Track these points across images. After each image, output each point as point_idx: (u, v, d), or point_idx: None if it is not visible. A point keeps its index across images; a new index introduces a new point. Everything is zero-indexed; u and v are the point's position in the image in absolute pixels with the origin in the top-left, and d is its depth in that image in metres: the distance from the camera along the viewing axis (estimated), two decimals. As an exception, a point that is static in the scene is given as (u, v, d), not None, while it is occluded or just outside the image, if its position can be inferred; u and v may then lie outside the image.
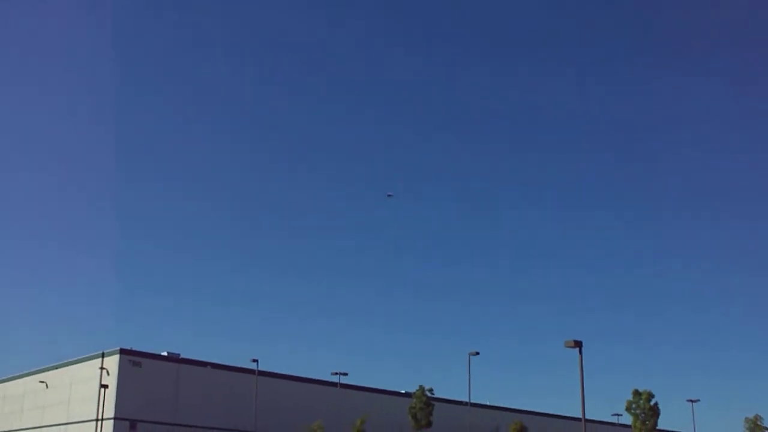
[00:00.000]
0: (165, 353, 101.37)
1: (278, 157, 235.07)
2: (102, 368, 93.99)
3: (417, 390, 72.14)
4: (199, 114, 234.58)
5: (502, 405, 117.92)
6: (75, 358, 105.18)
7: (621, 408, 78.80)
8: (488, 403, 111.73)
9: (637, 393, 59.81)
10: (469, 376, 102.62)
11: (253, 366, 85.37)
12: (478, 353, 75.28)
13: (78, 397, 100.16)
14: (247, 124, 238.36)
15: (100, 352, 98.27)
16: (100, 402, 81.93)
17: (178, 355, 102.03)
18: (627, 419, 79.29)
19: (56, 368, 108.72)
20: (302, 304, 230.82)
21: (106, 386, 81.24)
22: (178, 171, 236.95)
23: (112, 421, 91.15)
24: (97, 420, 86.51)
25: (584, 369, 46.33)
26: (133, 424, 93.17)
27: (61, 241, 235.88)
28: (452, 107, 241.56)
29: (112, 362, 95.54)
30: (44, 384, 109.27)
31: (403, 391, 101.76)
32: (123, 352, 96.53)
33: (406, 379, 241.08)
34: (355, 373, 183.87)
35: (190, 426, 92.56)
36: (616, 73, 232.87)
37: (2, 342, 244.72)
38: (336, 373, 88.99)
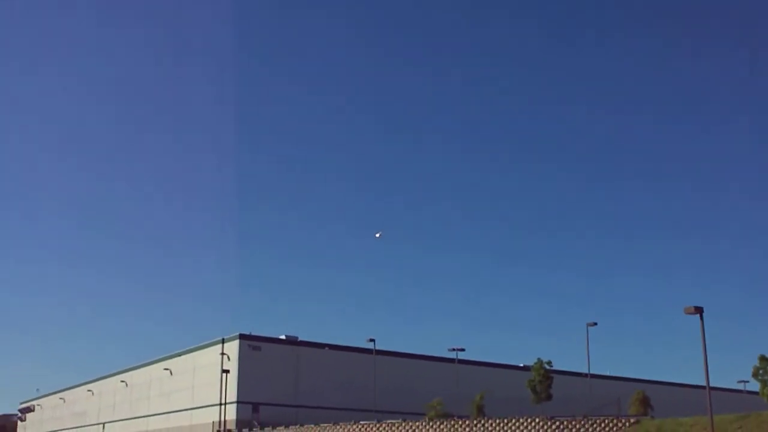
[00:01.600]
0: (283, 337, 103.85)
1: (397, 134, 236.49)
2: (223, 354, 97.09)
3: (535, 363, 72.00)
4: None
5: (622, 375, 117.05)
6: (196, 345, 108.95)
7: (747, 375, 77.58)
8: (608, 374, 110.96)
9: (764, 359, 58.44)
10: (588, 347, 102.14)
11: (370, 346, 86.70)
12: (596, 324, 75.02)
13: (201, 383, 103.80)
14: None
15: (221, 338, 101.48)
16: (223, 387, 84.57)
17: (297, 338, 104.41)
18: (754, 386, 77.77)
19: (179, 356, 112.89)
20: (418, 277, 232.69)
21: (227, 371, 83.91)
22: (296, 148, 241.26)
23: (235, 405, 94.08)
24: (220, 404, 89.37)
25: (706, 337, 45.88)
26: (255, 407, 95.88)
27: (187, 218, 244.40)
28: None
29: (233, 348, 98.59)
30: (168, 371, 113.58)
31: (521, 365, 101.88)
32: (242, 337, 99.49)
33: (523, 353, 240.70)
34: (472, 349, 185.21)
35: (311, 407, 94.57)
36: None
37: (129, 333, 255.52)
38: (453, 349, 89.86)
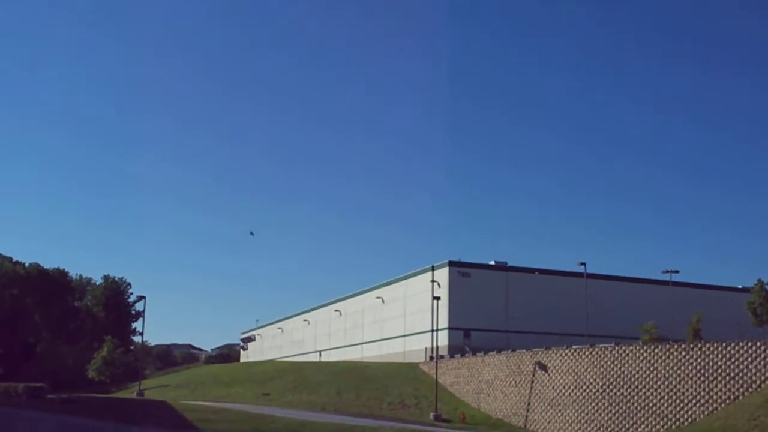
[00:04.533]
0: (492, 263, 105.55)
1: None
2: (433, 281, 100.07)
3: (755, 284, 70.60)
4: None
5: None
6: (406, 273, 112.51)
7: None
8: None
9: None
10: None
11: (581, 269, 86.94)
12: (820, 243, 72.34)
13: (412, 310, 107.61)
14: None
15: (430, 266, 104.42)
16: (434, 314, 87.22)
17: (506, 263, 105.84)
18: None
19: (390, 284, 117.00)
20: (630, 197, 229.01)
21: (438, 298, 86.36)
22: (502, 90, 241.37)
23: (446, 331, 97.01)
24: (432, 331, 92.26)
25: None
26: (466, 333, 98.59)
27: (398, 154, 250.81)
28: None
29: (443, 275, 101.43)
30: (380, 299, 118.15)
31: (740, 287, 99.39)
32: (452, 264, 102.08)
33: (741, 275, 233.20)
34: (687, 271, 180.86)
35: (522, 332, 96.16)
36: None
37: (341, 264, 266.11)
38: (667, 272, 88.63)
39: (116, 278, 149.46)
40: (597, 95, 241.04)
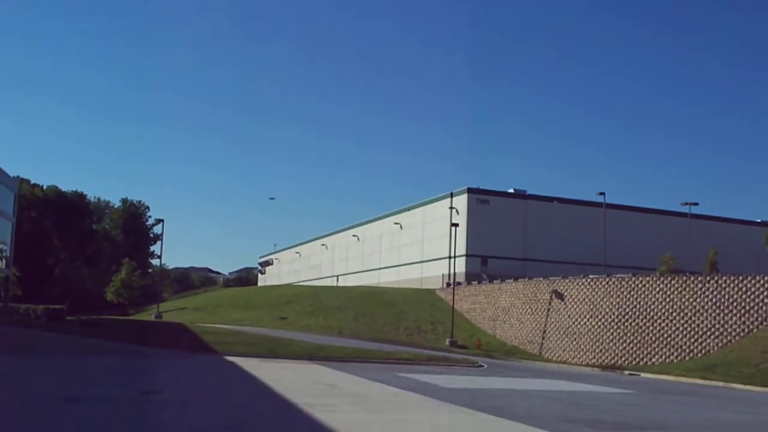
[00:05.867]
0: (511, 190, 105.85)
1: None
2: (451, 208, 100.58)
3: (774, 218, 70.64)
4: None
5: None
6: (425, 200, 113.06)
7: None
8: None
9: None
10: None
11: (599, 199, 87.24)
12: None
13: (430, 236, 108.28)
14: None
15: (449, 192, 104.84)
16: (452, 240, 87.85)
17: (525, 191, 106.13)
18: None
19: (408, 210, 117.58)
20: (651, 126, 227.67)
21: (456, 225, 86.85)
22: (523, 17, 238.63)
23: (464, 258, 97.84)
24: (449, 257, 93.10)
25: None
26: (484, 260, 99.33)
27: (417, 81, 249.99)
28: None
29: (461, 201, 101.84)
30: (399, 225, 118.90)
31: (758, 220, 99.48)
32: (470, 191, 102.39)
33: (761, 209, 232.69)
34: (705, 203, 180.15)
35: (539, 261, 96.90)
36: None
37: (360, 189, 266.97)
38: (686, 203, 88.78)
39: (134, 201, 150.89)
40: (620, 23, 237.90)
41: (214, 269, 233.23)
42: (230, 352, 40.42)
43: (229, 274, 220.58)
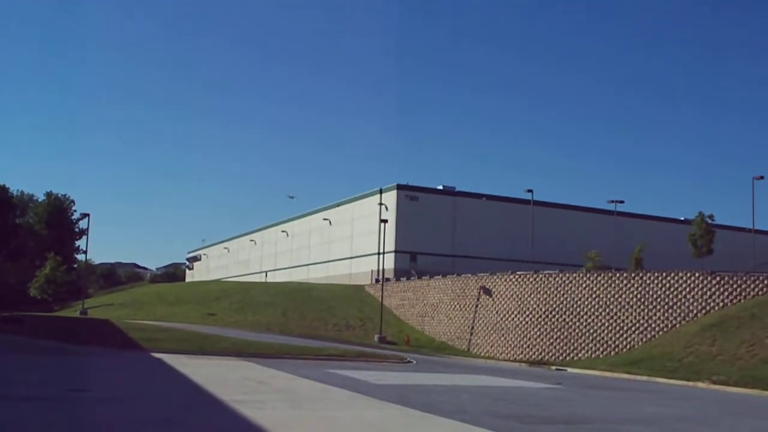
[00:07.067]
0: (441, 187, 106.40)
1: None
2: (381, 204, 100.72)
3: (696, 217, 72.27)
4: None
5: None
6: (354, 196, 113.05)
7: None
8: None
9: None
10: (753, 201, 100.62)
11: (528, 196, 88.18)
12: (762, 178, 73.95)
13: (360, 233, 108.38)
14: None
15: (379, 188, 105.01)
16: (381, 236, 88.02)
17: (454, 188, 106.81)
18: None
19: (338, 206, 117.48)
20: (575, 132, 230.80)
21: (385, 221, 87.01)
22: (452, 10, 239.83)
23: (393, 254, 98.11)
24: (378, 253, 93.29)
25: None
26: (413, 256, 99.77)
27: (345, 76, 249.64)
28: None
29: (391, 198, 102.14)
30: (328, 221, 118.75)
31: (682, 218, 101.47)
32: (400, 187, 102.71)
33: (684, 206, 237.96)
34: (631, 201, 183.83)
35: (468, 257, 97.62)
36: None
37: (289, 185, 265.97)
38: (612, 201, 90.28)
39: (59, 195, 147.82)
40: (545, 12, 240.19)
41: (141, 265, 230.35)
42: (158, 349, 39.88)
43: (157, 269, 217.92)
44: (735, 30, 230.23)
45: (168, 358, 35.98)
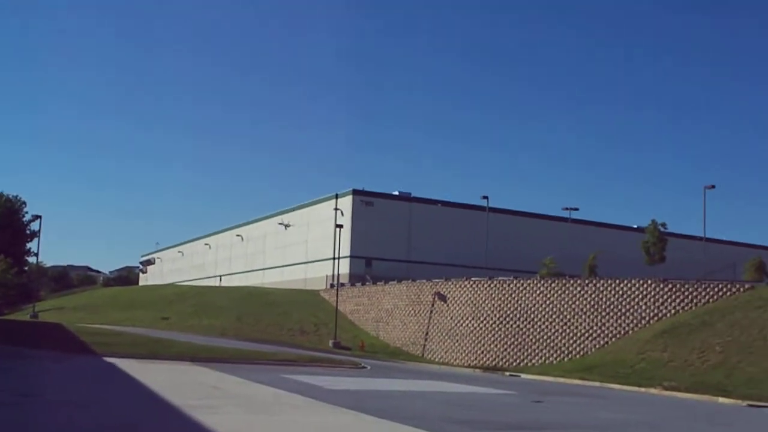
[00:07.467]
0: (396, 193, 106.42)
1: None
2: (336, 209, 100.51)
3: (649, 225, 73.07)
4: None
5: (739, 240, 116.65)
6: (310, 200, 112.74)
7: None
8: (724, 239, 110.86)
9: None
10: (705, 210, 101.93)
11: (483, 203, 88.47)
12: (713, 187, 74.83)
13: (315, 237, 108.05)
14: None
15: (334, 193, 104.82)
16: (336, 241, 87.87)
17: (410, 194, 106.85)
18: None
19: (293, 210, 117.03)
20: (530, 139, 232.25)
21: (341, 226, 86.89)
22: (406, 15, 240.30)
23: (348, 259, 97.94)
24: (333, 258, 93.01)
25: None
26: (368, 261, 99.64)
27: (300, 82, 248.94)
28: None
29: (346, 203, 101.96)
30: (283, 226, 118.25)
31: (635, 226, 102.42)
32: (355, 192, 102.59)
33: (638, 214, 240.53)
34: (585, 208, 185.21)
35: (423, 263, 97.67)
36: None
37: (244, 192, 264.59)
38: (566, 209, 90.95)
39: (10, 196, 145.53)
40: (499, 18, 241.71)
41: (94, 268, 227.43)
42: (110, 353, 39.43)
43: (110, 273, 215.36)
44: (689, 34, 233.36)
45: (120, 363, 35.60)
